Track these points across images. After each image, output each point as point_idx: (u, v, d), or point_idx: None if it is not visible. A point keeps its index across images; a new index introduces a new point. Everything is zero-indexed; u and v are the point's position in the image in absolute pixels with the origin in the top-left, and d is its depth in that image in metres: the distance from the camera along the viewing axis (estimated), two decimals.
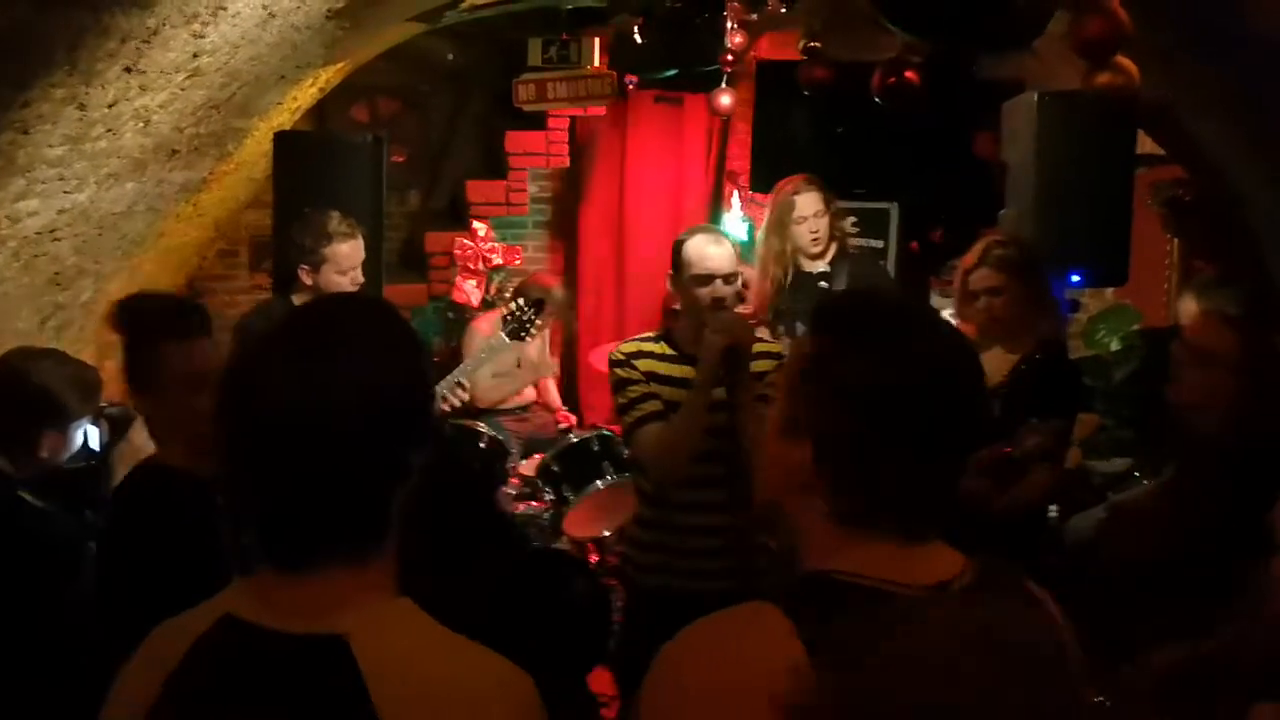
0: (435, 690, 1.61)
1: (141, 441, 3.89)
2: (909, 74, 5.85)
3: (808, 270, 6.09)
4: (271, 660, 1.63)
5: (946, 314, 5.46)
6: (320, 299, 2.05)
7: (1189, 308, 3.85)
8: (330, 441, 1.62)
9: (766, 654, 1.63)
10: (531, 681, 1.69)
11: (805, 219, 6.04)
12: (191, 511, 2.89)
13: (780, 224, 6.13)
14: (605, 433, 6.75)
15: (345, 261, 5.18)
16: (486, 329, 7.50)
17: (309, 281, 5.18)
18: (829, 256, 6.09)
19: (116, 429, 3.98)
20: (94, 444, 3.98)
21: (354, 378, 1.64)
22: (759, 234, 6.38)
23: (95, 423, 3.96)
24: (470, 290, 8.73)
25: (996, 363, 4.61)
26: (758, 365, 4.25)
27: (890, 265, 7.90)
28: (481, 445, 6.62)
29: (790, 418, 1.82)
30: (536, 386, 7.69)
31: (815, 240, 6.05)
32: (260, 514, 1.68)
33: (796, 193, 6.08)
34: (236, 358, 1.73)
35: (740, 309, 4.71)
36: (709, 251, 4.29)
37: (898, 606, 1.69)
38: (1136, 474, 6.04)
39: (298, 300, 5.13)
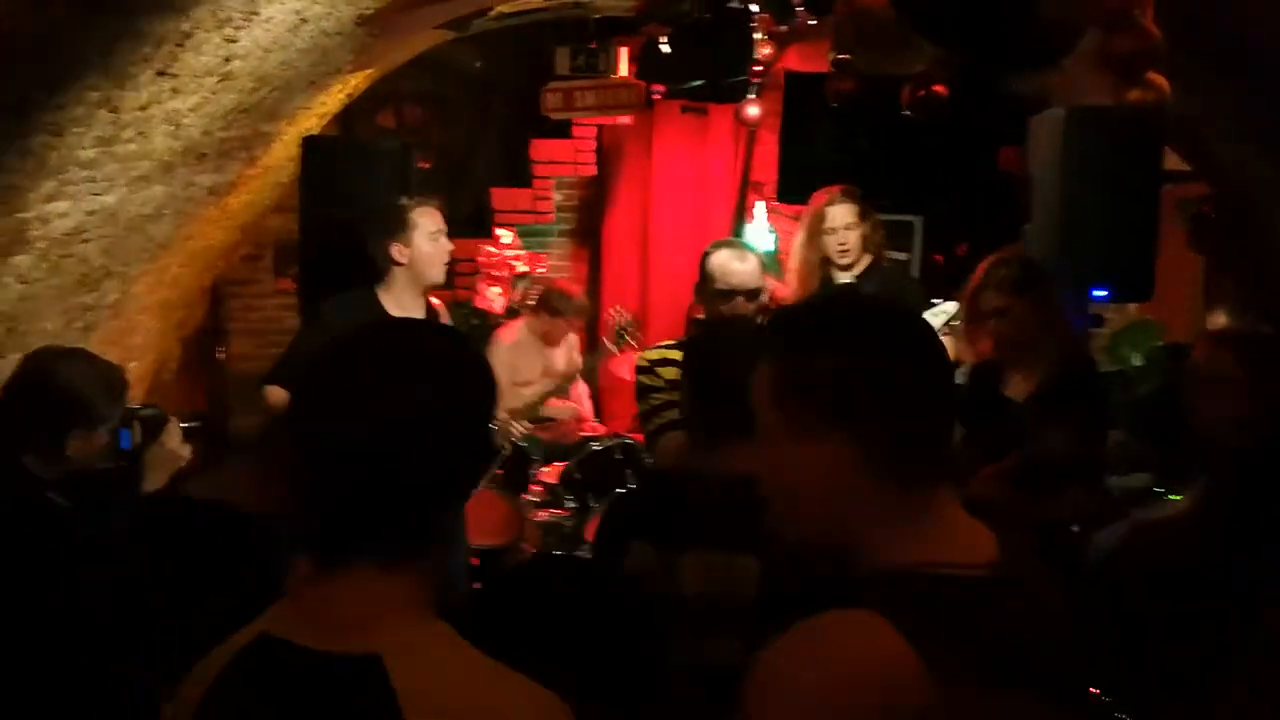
0: (472, 716, 1.60)
1: (174, 445, 3.90)
2: (938, 87, 5.85)
3: (837, 281, 6.09)
4: (305, 679, 1.63)
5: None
6: (386, 323, 2.09)
7: (1220, 322, 3.86)
8: (376, 448, 1.65)
9: (877, 657, 1.67)
10: (570, 712, 1.67)
11: (835, 230, 6.04)
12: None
13: (811, 235, 6.14)
14: (628, 441, 6.76)
15: (432, 224, 5.17)
16: (509, 338, 7.52)
17: (403, 259, 5.15)
18: (859, 268, 6.08)
19: (149, 431, 3.98)
20: (125, 445, 3.97)
21: (410, 394, 1.67)
22: (794, 244, 6.39)
23: (127, 424, 3.95)
24: (494, 297, 8.75)
25: (1017, 386, 4.65)
26: None
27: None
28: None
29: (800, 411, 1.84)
30: (569, 396, 7.68)
31: (843, 252, 6.04)
32: (304, 506, 1.70)
33: (830, 204, 6.08)
34: (314, 364, 1.76)
35: None
36: (733, 267, 4.30)
37: (974, 592, 1.75)
38: (1159, 490, 6.01)
39: (387, 289, 5.18)
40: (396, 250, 5.15)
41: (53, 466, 3.64)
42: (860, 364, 1.81)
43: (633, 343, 6.16)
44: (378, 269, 5.21)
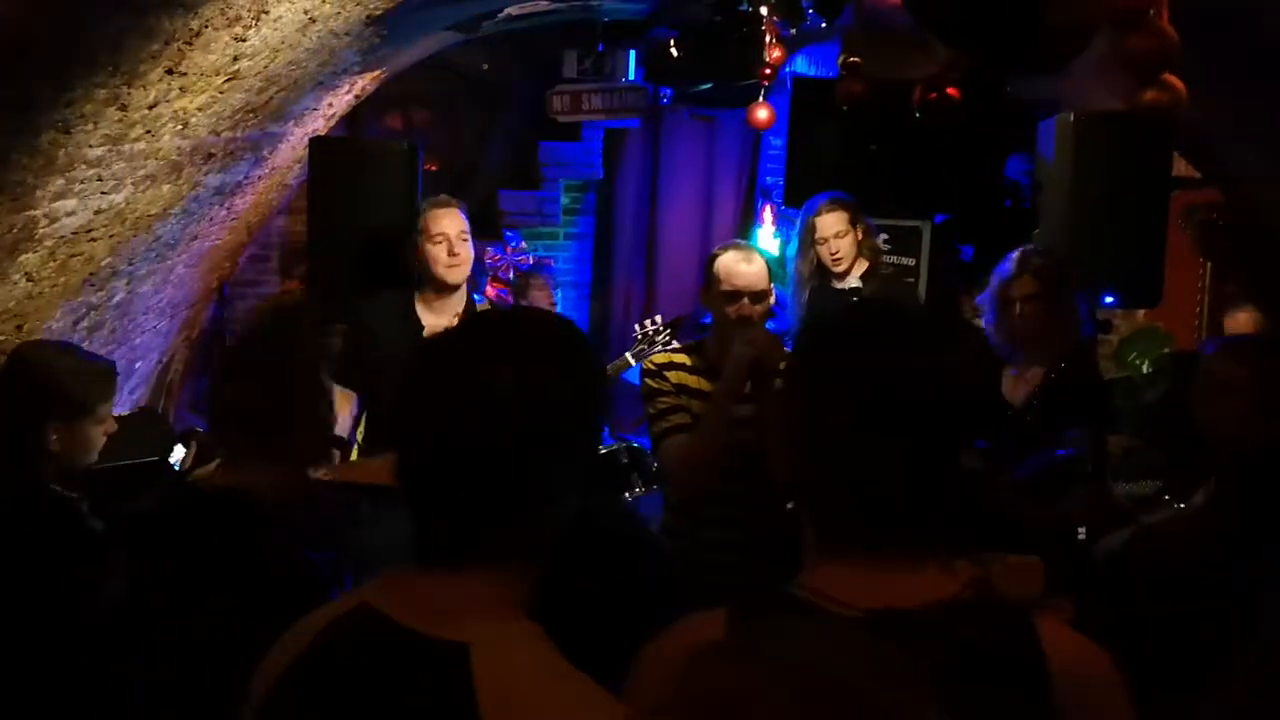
0: (539, 714, 1.62)
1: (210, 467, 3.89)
2: (950, 90, 5.83)
3: (836, 288, 6.11)
4: (392, 655, 1.68)
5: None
6: (506, 310, 2.12)
7: (1241, 320, 3.85)
8: (491, 453, 1.67)
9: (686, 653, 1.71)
10: None
11: (826, 240, 6.10)
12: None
13: (804, 245, 6.20)
14: (634, 444, 6.75)
15: (433, 227, 5.18)
16: None
17: (418, 261, 5.25)
18: (856, 274, 6.10)
19: (201, 456, 3.96)
20: (174, 461, 3.96)
21: (526, 392, 1.68)
22: (789, 254, 6.43)
23: (185, 443, 3.94)
24: (501, 300, 8.75)
25: (1016, 387, 4.66)
26: None
27: (922, 283, 7.87)
28: None
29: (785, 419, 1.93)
30: None
31: (836, 261, 6.09)
32: (417, 510, 1.74)
33: (818, 214, 6.15)
34: (419, 357, 1.78)
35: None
36: (739, 269, 4.29)
37: (817, 626, 1.71)
38: (1167, 496, 6.00)
39: (419, 289, 5.27)
40: (414, 252, 5.23)
41: (36, 460, 3.58)
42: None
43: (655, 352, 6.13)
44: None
